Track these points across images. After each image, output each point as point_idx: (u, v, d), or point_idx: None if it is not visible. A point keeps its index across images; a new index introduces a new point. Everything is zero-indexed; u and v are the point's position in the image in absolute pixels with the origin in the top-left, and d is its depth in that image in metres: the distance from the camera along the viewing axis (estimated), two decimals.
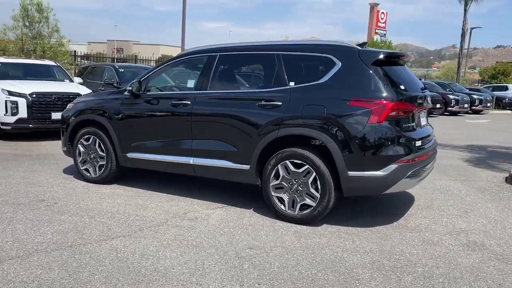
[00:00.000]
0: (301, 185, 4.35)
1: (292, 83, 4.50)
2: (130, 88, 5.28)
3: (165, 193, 5.34)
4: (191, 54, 5.32)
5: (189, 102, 4.96)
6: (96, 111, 5.63)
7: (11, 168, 6.39)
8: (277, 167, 4.44)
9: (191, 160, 4.98)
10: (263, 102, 4.54)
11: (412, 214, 4.87)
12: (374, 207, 5.10)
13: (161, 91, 5.68)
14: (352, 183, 4.20)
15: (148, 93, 5.33)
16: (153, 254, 3.56)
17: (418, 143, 4.36)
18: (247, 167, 4.63)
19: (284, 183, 4.43)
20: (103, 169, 5.63)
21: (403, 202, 5.32)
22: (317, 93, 4.38)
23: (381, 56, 4.30)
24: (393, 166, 4.10)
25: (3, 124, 8.84)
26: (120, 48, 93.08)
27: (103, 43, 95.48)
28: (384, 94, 4.15)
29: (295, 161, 4.35)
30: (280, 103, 4.45)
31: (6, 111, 8.71)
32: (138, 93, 5.30)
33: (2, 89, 8.84)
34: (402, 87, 4.35)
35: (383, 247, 3.87)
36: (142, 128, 5.35)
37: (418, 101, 4.56)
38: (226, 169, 4.78)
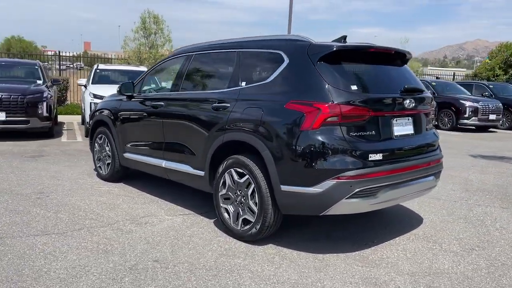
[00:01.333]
0: (244, 197, 3.86)
1: (243, 83, 4.04)
2: (118, 89, 5.39)
3: (154, 196, 5.27)
4: (176, 54, 5.16)
5: (162, 104, 4.83)
6: (104, 111, 5.87)
7: (57, 163, 7.05)
8: (224, 176, 4.01)
9: (163, 163, 4.83)
10: (216, 104, 4.16)
11: (393, 244, 3.94)
12: (357, 228, 4.27)
13: (150, 92, 5.64)
14: (286, 199, 3.56)
15: (139, 94, 5.36)
16: (55, 255, 3.48)
17: (376, 156, 3.49)
18: (202, 173, 4.30)
19: (230, 194, 3.98)
20: (109, 167, 5.84)
21: (401, 227, 4.38)
22: (260, 94, 3.85)
23: (330, 51, 3.57)
24: (330, 183, 3.35)
25: (88, 123, 9.89)
26: None
27: None
28: (323, 96, 3.43)
29: (238, 170, 3.87)
30: (228, 105, 4.03)
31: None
32: (131, 94, 5.36)
33: (90, 92, 9.92)
34: (355, 87, 3.54)
35: (305, 280, 3.18)
36: (133, 129, 5.39)
37: (385, 105, 3.70)
38: (187, 174, 4.50)
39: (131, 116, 5.38)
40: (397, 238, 4.08)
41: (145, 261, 3.43)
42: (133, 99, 5.34)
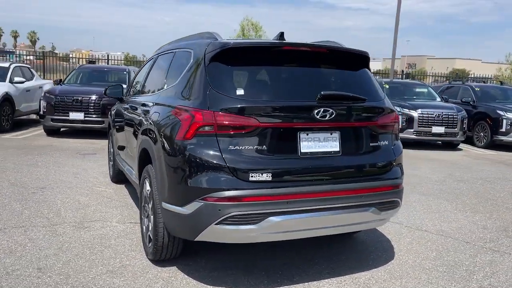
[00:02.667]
0: (150, 212, 3.53)
1: (165, 86, 3.72)
2: (103, 91, 5.44)
3: (135, 200, 5.21)
4: (155, 54, 4.96)
5: (128, 107, 4.73)
6: (112, 112, 6.00)
7: (97, 161, 7.48)
8: (142, 186, 3.73)
9: (126, 168, 4.74)
10: (144, 109, 3.92)
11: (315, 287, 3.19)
12: (286, 259, 3.56)
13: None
14: (167, 219, 3.15)
15: (127, 97, 5.34)
16: None
17: (261, 177, 2.85)
18: (137, 181, 4.07)
19: (146, 205, 3.68)
20: (111, 169, 5.97)
21: (341, 266, 3.51)
22: (167, 97, 3.51)
23: (221, 50, 3.06)
24: (197, 204, 2.84)
25: None
26: (413, 63, 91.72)
27: (397, 58, 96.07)
28: (202, 101, 2.93)
29: (147, 181, 3.55)
30: (149, 110, 3.74)
31: None
32: (120, 97, 5.38)
33: None
34: (242, 92, 2.94)
35: None
36: (117, 132, 5.40)
37: (286, 115, 3.01)
38: (134, 182, 4.32)
39: (115, 119, 5.41)
40: (325, 281, 3.31)
41: (31, 267, 3.34)
42: (122, 102, 5.37)
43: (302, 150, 3.00)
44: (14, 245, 3.74)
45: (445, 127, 10.62)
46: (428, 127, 10.59)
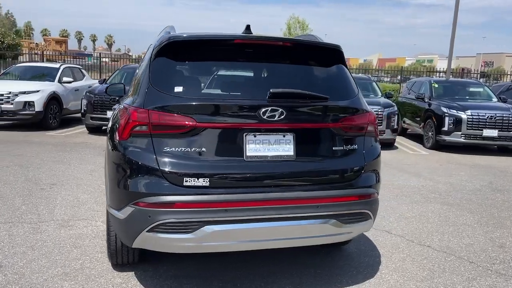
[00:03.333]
0: None
1: (132, 84, 3.59)
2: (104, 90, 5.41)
3: None
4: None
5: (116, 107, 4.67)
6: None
7: None
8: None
9: None
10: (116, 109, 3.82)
11: None
12: (256, 273, 3.30)
13: None
14: (111, 222, 3.00)
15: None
16: None
17: (198, 182, 2.63)
18: None
19: None
20: None
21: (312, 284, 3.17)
22: (126, 97, 3.39)
23: (164, 44, 2.88)
24: (130, 209, 2.67)
25: None
26: (489, 62, 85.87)
27: (471, 56, 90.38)
28: (141, 98, 2.77)
29: None
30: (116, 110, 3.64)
31: None
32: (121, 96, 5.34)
33: None
34: (180, 89, 2.73)
35: None
36: None
37: (230, 114, 2.74)
38: None
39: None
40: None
41: None
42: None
43: (248, 154, 2.72)
44: None
45: (499, 130, 9.64)
46: (479, 130, 9.68)
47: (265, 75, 3.06)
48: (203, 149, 2.68)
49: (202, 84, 2.96)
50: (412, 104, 11.88)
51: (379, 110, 9.79)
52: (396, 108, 10.22)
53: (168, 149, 2.67)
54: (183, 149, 2.67)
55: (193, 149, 2.67)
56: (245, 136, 2.73)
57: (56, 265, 3.39)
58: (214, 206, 2.63)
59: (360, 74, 16.21)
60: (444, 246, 4.07)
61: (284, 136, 2.80)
